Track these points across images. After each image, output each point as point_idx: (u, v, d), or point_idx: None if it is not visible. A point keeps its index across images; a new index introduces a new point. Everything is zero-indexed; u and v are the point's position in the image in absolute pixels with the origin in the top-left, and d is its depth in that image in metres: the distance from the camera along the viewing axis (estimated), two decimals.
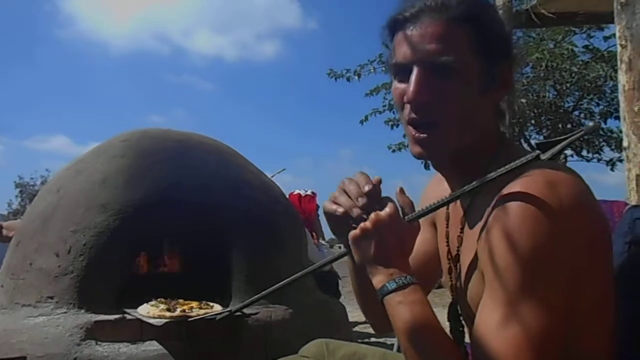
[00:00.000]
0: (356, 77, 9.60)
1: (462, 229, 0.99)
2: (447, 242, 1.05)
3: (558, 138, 0.84)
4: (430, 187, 1.20)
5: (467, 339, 1.04)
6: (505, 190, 0.83)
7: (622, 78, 2.30)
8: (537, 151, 0.84)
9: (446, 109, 0.91)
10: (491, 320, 0.79)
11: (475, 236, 0.90)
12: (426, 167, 7.71)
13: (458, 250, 1.00)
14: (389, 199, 0.94)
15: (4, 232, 3.47)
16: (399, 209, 0.93)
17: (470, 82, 0.90)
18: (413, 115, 0.93)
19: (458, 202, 1.02)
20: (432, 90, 0.90)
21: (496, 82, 0.92)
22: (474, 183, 0.89)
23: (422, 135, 0.93)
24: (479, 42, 0.90)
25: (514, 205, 0.80)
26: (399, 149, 9.84)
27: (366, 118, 9.78)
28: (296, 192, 5.21)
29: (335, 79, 9.72)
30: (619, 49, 2.35)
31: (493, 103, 0.95)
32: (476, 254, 0.89)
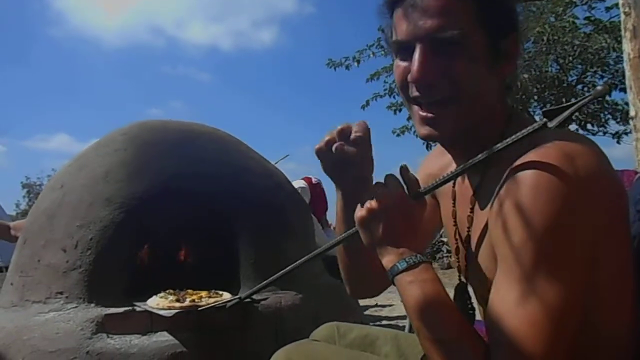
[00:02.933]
0: (355, 64, 9.57)
1: (472, 208, 0.96)
2: (455, 221, 1.03)
3: (566, 104, 0.81)
4: (430, 158, 1.18)
5: (478, 318, 1.03)
6: (518, 162, 0.80)
7: (627, 46, 2.26)
8: (544, 119, 0.81)
9: (453, 87, 0.87)
10: (507, 298, 0.77)
11: (486, 214, 0.87)
12: (428, 147, 7.71)
13: (468, 231, 0.97)
14: (393, 177, 0.92)
15: (12, 232, 3.49)
16: (404, 186, 0.92)
17: (477, 58, 0.86)
18: (417, 93, 0.89)
19: (466, 180, 1.00)
20: (437, 68, 0.86)
21: (503, 56, 0.89)
22: (479, 155, 0.86)
23: (429, 115, 0.89)
24: (485, 14, 0.86)
25: (527, 178, 0.77)
26: (403, 133, 9.83)
27: (367, 103, 9.77)
28: (314, 180, 5.00)
29: (335, 68, 9.70)
30: (622, 17, 2.30)
31: (501, 77, 0.91)
32: (488, 232, 0.87)
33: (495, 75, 0.90)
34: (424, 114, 0.90)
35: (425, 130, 0.91)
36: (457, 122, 0.89)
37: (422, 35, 0.86)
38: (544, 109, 0.82)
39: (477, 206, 0.95)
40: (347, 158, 0.96)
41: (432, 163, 1.16)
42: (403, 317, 4.29)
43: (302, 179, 4.88)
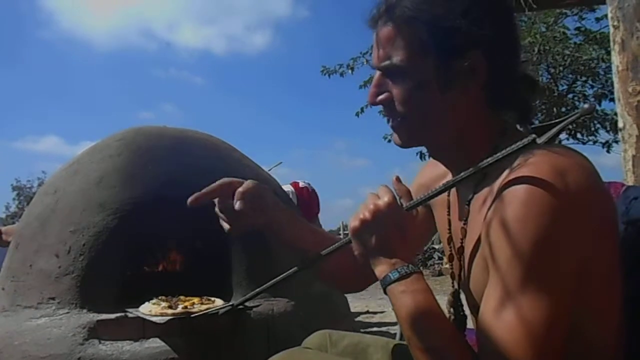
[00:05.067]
0: (349, 71, 9.61)
1: (465, 220, 0.98)
2: (449, 229, 1.05)
3: (554, 121, 0.83)
4: (424, 169, 1.22)
5: (469, 326, 1.04)
6: (510, 177, 0.82)
7: (616, 59, 2.29)
8: (533, 135, 0.83)
9: (401, 109, 0.94)
10: (497, 310, 0.79)
11: (479, 227, 0.89)
12: (422, 157, 7.77)
13: (462, 243, 0.99)
14: (386, 188, 0.94)
15: (4, 237, 3.48)
16: (397, 197, 0.94)
17: (424, 81, 0.91)
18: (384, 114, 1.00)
19: (459, 191, 1.02)
20: (384, 92, 0.95)
21: (463, 75, 0.90)
22: (470, 169, 0.88)
23: (393, 126, 0.99)
24: (430, 39, 0.89)
25: (518, 193, 0.79)
26: None
27: (362, 110, 9.78)
28: (301, 184, 5.01)
29: (329, 75, 9.75)
30: (611, 29, 2.34)
31: (469, 95, 0.92)
32: (480, 244, 0.89)
33: (460, 93, 0.91)
34: (390, 125, 1.00)
35: (394, 137, 1.01)
36: (412, 135, 0.98)
37: (375, 64, 0.96)
38: (533, 126, 0.84)
39: (469, 218, 0.97)
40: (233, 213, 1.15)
41: (425, 174, 1.19)
42: (394, 324, 4.30)
43: (290, 183, 4.88)
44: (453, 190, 1.04)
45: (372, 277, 0.95)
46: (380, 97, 0.97)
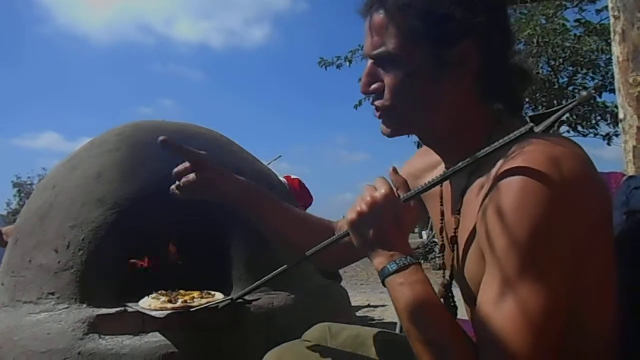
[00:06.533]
0: (347, 63, 9.62)
1: (458, 210, 0.98)
2: (442, 220, 1.05)
3: (552, 109, 0.82)
4: (414, 157, 1.23)
5: (460, 316, 1.04)
6: (505, 166, 0.81)
7: (616, 49, 2.28)
8: (531, 124, 0.83)
9: (391, 98, 0.94)
10: (494, 300, 0.78)
11: (473, 216, 0.89)
12: (419, 147, 7.79)
13: (455, 232, 0.98)
14: (383, 180, 0.93)
15: (4, 237, 3.48)
16: (394, 188, 0.93)
17: (415, 70, 0.90)
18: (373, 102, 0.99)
19: (453, 182, 1.01)
20: (375, 82, 0.95)
21: (454, 64, 0.89)
22: (467, 159, 0.88)
23: (380, 116, 0.99)
24: (422, 28, 0.88)
25: (514, 183, 0.78)
26: None
27: (360, 102, 9.80)
28: (292, 177, 5.35)
29: (326, 67, 9.76)
30: (611, 20, 2.32)
31: (461, 84, 0.92)
32: (475, 233, 0.88)
33: (451, 82, 0.91)
34: (378, 114, 0.99)
35: (381, 127, 1.00)
36: (400, 123, 0.97)
37: (366, 53, 0.96)
38: (530, 114, 0.83)
39: (463, 208, 0.96)
40: (195, 186, 1.25)
41: (415, 163, 1.20)
42: (395, 321, 4.31)
43: (284, 177, 5.06)
44: (445, 182, 1.04)
45: (352, 259, 1.02)
46: (373, 86, 0.96)
